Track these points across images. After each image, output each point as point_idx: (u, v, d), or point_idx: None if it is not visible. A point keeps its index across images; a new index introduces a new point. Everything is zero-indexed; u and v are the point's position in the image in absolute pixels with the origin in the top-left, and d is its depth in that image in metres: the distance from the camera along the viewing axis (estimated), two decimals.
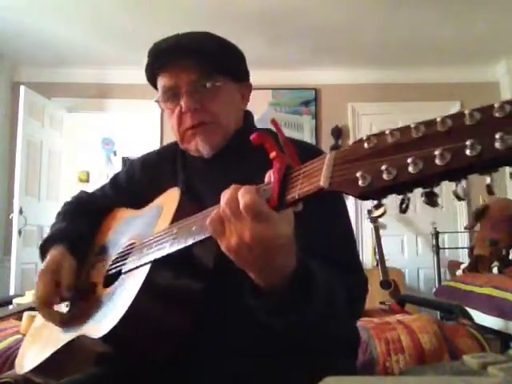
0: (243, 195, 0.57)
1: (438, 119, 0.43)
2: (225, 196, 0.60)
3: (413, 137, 0.44)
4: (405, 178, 0.43)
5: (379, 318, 2.01)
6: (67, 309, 0.92)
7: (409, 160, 0.42)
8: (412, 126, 0.44)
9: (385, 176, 0.43)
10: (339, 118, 4.63)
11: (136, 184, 1.07)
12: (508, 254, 3.07)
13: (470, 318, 1.99)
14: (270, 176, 0.58)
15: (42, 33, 3.87)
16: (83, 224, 1.04)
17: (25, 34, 3.88)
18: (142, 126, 4.95)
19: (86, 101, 4.63)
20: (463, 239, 4.46)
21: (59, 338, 0.87)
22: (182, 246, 0.68)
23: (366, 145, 0.47)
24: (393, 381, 0.85)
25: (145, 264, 0.74)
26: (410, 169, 0.42)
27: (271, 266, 0.60)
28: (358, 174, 0.45)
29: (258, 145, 0.60)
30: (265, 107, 4.52)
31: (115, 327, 0.69)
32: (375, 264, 3.80)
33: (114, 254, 0.92)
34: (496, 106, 0.40)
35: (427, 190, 0.44)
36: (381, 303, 3.26)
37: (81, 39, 3.99)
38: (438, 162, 0.41)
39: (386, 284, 3.54)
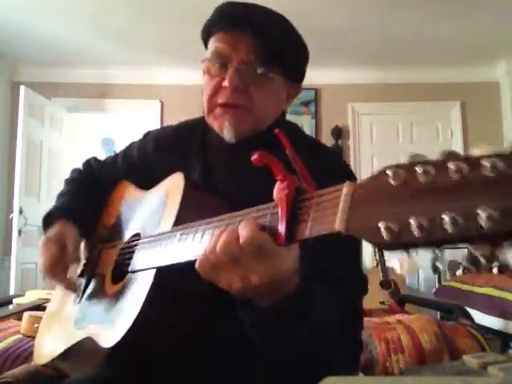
0: (242, 229, 0.52)
1: (485, 161, 0.34)
2: (219, 241, 0.54)
3: (451, 180, 0.35)
4: (440, 237, 0.35)
5: (379, 317, 2.01)
6: (78, 300, 0.93)
7: (445, 216, 0.34)
8: (450, 165, 0.35)
9: (415, 231, 0.35)
10: (339, 118, 4.63)
11: (149, 164, 1.00)
12: None
13: (470, 317, 1.99)
14: (277, 197, 0.52)
15: (42, 33, 3.87)
16: (89, 202, 1.01)
17: (25, 33, 3.88)
18: (141, 126, 4.95)
19: (86, 101, 4.62)
20: None
21: (70, 333, 0.88)
22: (183, 259, 0.64)
23: (391, 181, 0.38)
24: (393, 381, 0.85)
25: (149, 269, 0.73)
26: (447, 227, 0.34)
27: (276, 293, 0.57)
28: (382, 225, 0.37)
29: (262, 165, 0.54)
30: None
31: (123, 337, 0.69)
32: (375, 264, 3.80)
33: (120, 242, 0.91)
34: None
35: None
36: (381, 303, 3.25)
37: (81, 39, 3.99)
38: (482, 223, 0.32)
39: (386, 284, 3.54)
